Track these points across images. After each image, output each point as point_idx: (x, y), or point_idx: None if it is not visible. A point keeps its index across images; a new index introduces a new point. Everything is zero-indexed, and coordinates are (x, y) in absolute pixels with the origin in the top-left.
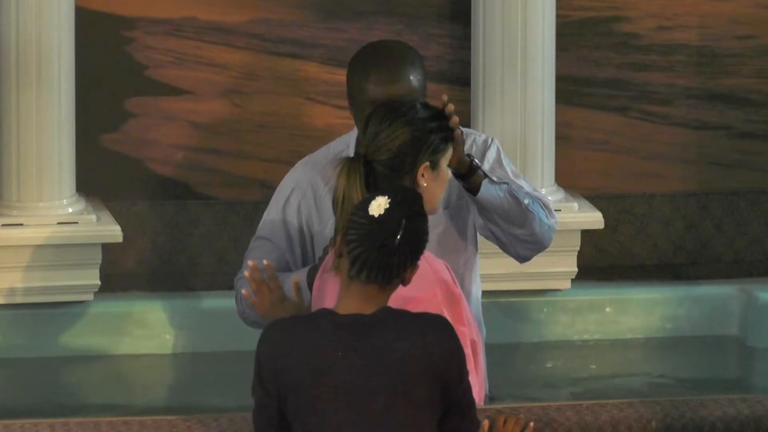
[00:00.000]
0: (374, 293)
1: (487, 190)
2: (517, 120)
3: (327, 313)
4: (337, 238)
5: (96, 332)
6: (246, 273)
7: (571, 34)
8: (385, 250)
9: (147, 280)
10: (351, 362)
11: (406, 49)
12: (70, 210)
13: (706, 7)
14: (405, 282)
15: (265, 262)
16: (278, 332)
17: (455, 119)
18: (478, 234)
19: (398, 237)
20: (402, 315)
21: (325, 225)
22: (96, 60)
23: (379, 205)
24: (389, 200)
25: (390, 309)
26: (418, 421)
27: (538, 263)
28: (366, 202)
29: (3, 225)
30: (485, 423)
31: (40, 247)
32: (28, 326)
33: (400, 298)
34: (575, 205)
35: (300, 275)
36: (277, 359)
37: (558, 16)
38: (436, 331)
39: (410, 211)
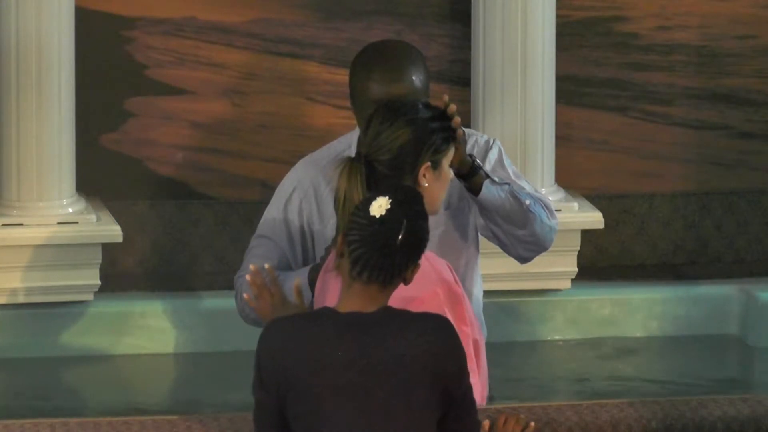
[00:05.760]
0: (375, 293)
1: (488, 191)
2: (517, 120)
3: (328, 312)
4: (338, 238)
5: (96, 332)
6: (247, 277)
7: (571, 34)
8: (387, 251)
9: (147, 280)
10: (351, 361)
11: (409, 48)
12: (70, 210)
13: (706, 7)
14: (406, 281)
15: (266, 265)
16: (278, 331)
17: (457, 119)
18: (479, 234)
19: (400, 237)
20: (402, 314)
21: (326, 224)
22: (96, 60)
23: (380, 206)
24: (390, 200)
25: (390, 308)
26: (418, 421)
27: (539, 263)
28: (367, 203)
29: (3, 225)
30: (485, 423)
31: (40, 247)
32: (28, 326)
33: (403, 298)
34: (575, 205)
35: (300, 275)
36: (277, 358)
37: (558, 16)
38: (437, 331)
39: (411, 210)
